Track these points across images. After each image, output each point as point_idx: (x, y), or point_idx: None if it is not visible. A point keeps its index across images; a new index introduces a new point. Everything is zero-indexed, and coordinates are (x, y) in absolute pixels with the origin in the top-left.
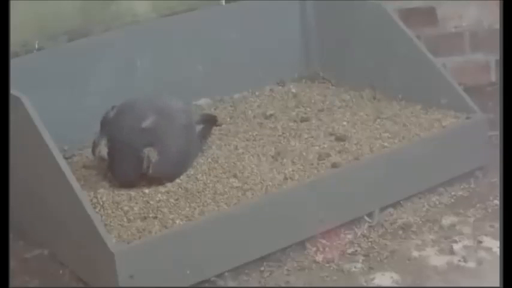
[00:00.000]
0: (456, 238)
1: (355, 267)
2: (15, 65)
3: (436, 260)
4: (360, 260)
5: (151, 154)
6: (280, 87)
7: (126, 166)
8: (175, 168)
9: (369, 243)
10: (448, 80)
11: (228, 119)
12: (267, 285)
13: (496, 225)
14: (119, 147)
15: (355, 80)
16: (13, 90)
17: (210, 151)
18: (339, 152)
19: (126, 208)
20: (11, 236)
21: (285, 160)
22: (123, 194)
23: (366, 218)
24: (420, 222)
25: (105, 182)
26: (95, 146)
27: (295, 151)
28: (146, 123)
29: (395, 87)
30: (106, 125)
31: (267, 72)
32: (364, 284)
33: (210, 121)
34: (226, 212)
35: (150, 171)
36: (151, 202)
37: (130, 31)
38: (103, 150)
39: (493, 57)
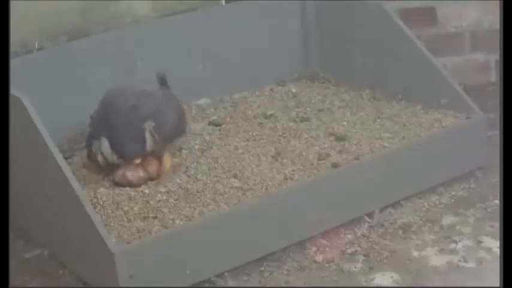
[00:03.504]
0: (456, 238)
1: (355, 267)
2: (15, 65)
3: (436, 260)
4: (360, 260)
5: (150, 125)
6: (280, 87)
7: (132, 142)
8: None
9: (369, 243)
10: (448, 80)
11: (228, 119)
12: (267, 285)
13: (496, 225)
14: (120, 130)
15: (355, 80)
16: (13, 90)
17: (210, 151)
18: (339, 152)
19: (126, 208)
20: (11, 236)
21: (285, 160)
22: (123, 194)
23: (365, 218)
24: (420, 222)
25: (105, 182)
26: (93, 150)
27: (295, 151)
28: (135, 102)
29: (395, 87)
30: (98, 123)
31: (267, 72)
32: (364, 284)
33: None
34: (226, 212)
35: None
36: (151, 202)
37: (130, 31)
38: (106, 148)
39: (493, 57)
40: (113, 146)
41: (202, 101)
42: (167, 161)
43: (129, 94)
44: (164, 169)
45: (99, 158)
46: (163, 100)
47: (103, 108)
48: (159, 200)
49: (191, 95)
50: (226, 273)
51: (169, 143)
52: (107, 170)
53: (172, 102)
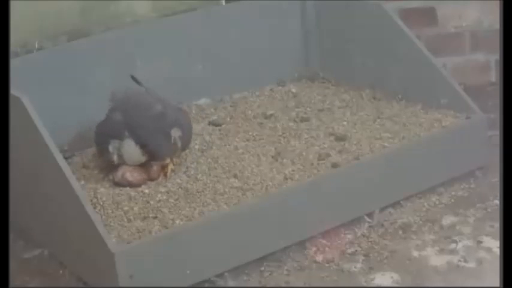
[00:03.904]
0: (456, 238)
1: (355, 267)
2: (15, 65)
3: (436, 260)
4: (360, 260)
5: (177, 133)
6: (280, 87)
7: (164, 143)
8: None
9: (369, 243)
10: (448, 80)
11: (228, 119)
12: (267, 285)
13: (496, 225)
14: (153, 133)
15: (355, 80)
16: (13, 90)
17: (210, 151)
18: (339, 152)
19: (126, 208)
20: (11, 236)
21: (285, 160)
22: (123, 194)
23: (366, 218)
24: (420, 222)
25: (105, 182)
26: (110, 149)
27: (295, 151)
28: (160, 108)
29: (395, 87)
30: (118, 124)
31: (267, 72)
32: (364, 284)
33: None
34: (226, 212)
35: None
36: (151, 202)
37: (130, 31)
38: (132, 149)
39: (493, 57)
40: (145, 147)
41: (202, 101)
42: (169, 165)
43: (154, 100)
44: (165, 172)
45: (115, 157)
46: (179, 110)
47: (126, 110)
48: (159, 200)
49: (191, 95)
50: (226, 273)
51: (181, 151)
52: (108, 170)
53: (184, 113)
